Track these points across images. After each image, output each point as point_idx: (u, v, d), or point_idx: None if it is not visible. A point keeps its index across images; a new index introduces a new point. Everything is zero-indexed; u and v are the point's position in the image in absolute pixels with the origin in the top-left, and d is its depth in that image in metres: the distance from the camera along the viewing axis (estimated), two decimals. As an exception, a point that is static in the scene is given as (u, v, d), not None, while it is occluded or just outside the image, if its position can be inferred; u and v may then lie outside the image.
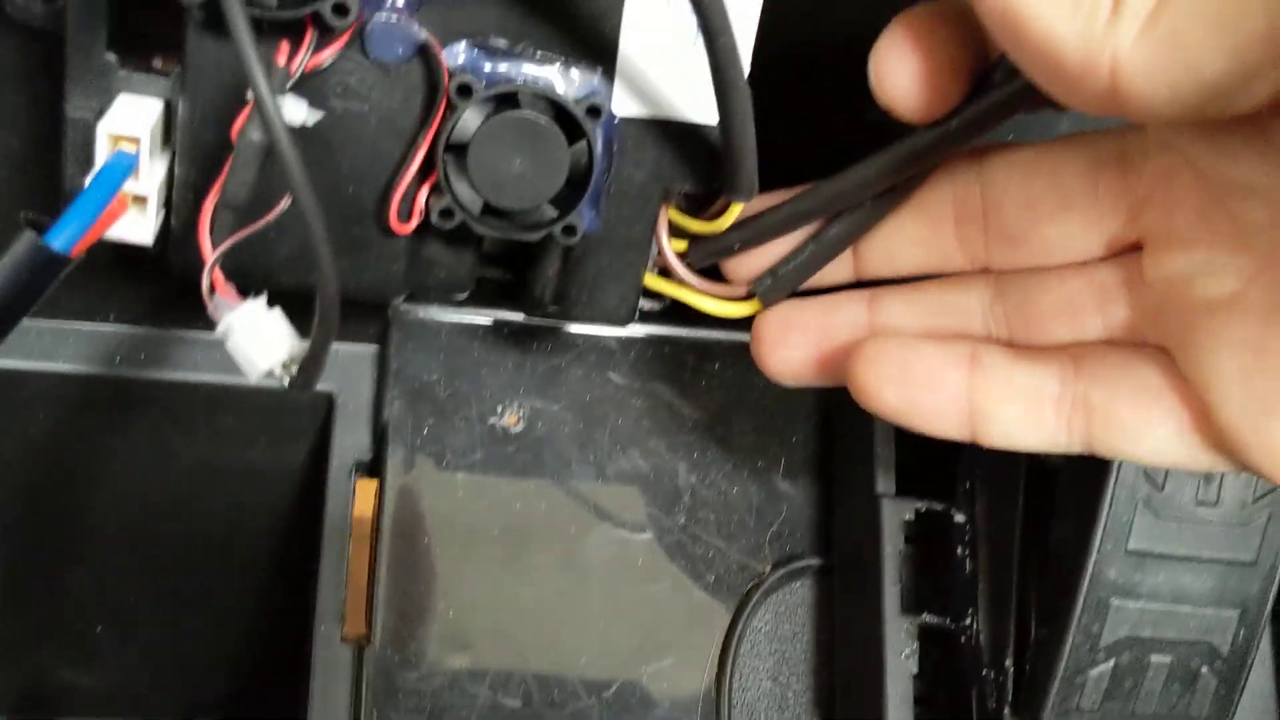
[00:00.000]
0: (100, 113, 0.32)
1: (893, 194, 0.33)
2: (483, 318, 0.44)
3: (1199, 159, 0.28)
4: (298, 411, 0.44)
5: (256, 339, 0.30)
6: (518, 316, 0.44)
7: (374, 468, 0.43)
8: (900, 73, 0.29)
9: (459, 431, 0.43)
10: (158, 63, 0.33)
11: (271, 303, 0.32)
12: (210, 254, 0.30)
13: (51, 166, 0.33)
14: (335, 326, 0.29)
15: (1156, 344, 0.30)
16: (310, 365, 0.30)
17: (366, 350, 0.44)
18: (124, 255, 0.34)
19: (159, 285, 0.41)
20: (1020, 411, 0.31)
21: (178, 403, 0.43)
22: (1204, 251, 0.29)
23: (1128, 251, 0.31)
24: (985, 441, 0.31)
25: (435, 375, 0.43)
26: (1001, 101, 0.29)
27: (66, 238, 0.30)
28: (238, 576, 0.48)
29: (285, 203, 0.30)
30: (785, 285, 0.35)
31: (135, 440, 0.44)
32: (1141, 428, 0.30)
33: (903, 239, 0.34)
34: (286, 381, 0.31)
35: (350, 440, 0.43)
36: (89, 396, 0.43)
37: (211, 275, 0.31)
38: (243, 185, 0.29)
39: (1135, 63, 0.24)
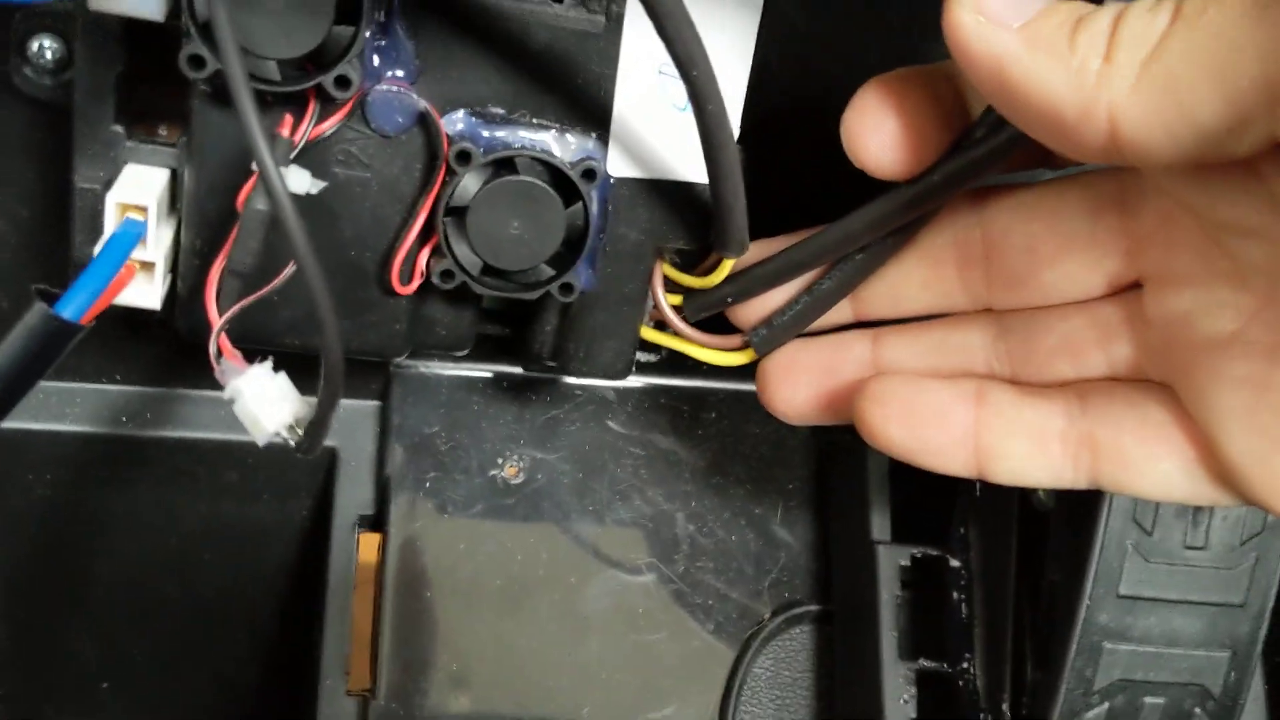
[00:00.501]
0: (108, 183, 0.33)
1: (886, 244, 0.33)
2: (482, 372, 0.44)
3: (1195, 201, 0.28)
4: (301, 467, 0.44)
5: (263, 403, 0.31)
6: (517, 370, 0.44)
7: (377, 521, 0.44)
8: (870, 135, 0.30)
9: (460, 484, 0.44)
10: (163, 132, 0.34)
11: (276, 363, 0.32)
12: (217, 319, 0.31)
13: (60, 235, 0.33)
14: (340, 392, 0.30)
15: (1160, 380, 0.30)
16: (316, 429, 0.31)
17: (368, 406, 0.44)
18: (130, 317, 0.34)
19: (164, 346, 0.42)
20: (1027, 448, 0.31)
21: (182, 460, 0.44)
22: (1204, 290, 0.29)
23: (1128, 289, 0.31)
24: (991, 478, 0.31)
25: (436, 429, 0.44)
26: (986, 155, 0.30)
27: (76, 306, 0.30)
28: (242, 632, 0.48)
29: (290, 269, 0.31)
30: (780, 336, 0.35)
31: (140, 497, 0.44)
32: (1146, 463, 0.30)
33: (905, 282, 0.34)
34: (293, 444, 0.31)
35: (353, 495, 0.44)
36: (95, 455, 0.43)
37: (218, 340, 0.31)
38: (248, 253, 0.30)
39: (1132, 111, 0.24)
